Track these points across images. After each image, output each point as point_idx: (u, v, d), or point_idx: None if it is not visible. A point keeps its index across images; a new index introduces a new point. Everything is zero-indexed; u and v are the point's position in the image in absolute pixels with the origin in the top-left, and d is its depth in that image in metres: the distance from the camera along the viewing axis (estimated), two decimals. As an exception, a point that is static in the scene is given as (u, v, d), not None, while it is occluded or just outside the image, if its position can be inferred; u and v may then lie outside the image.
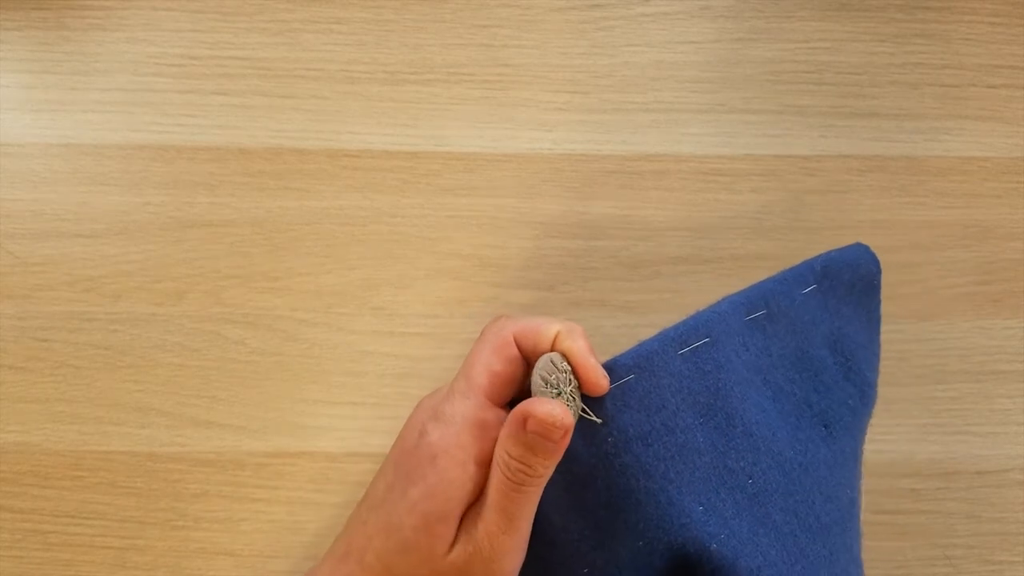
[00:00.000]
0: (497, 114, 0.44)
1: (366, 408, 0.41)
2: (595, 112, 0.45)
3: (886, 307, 0.43)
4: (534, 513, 0.26)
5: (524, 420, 0.25)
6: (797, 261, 0.43)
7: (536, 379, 0.26)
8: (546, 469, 0.25)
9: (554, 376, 0.26)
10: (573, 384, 0.26)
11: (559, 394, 0.25)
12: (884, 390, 0.42)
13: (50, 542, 0.40)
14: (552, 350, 0.26)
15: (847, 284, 0.30)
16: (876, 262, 0.32)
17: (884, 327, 0.43)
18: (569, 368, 0.26)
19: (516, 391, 0.27)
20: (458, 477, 0.25)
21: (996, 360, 0.43)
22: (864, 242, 0.44)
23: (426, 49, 0.45)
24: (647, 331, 0.42)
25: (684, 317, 0.42)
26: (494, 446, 0.26)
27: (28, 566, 0.40)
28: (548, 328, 0.26)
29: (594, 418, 0.26)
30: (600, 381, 0.25)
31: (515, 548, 0.25)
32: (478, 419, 0.26)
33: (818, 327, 0.29)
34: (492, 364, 0.26)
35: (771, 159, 0.44)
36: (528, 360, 0.27)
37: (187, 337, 0.42)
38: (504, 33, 0.45)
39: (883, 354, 0.42)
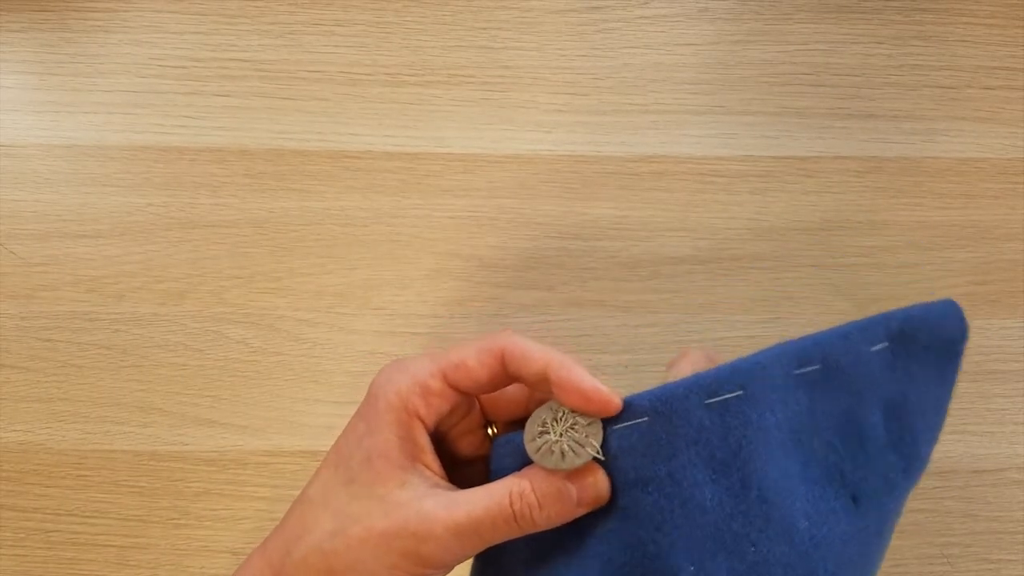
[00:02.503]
0: (497, 116, 0.45)
1: (367, 407, 0.42)
2: (594, 114, 0.45)
3: (883, 307, 0.43)
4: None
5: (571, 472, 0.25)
6: (794, 262, 0.44)
7: (530, 424, 0.25)
8: (548, 523, 0.25)
9: (549, 417, 0.25)
10: (568, 423, 0.25)
11: (546, 432, 0.25)
12: (881, 390, 0.43)
13: (53, 540, 0.40)
14: (547, 386, 0.25)
15: (923, 345, 0.27)
16: (963, 326, 0.28)
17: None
18: (566, 410, 0.25)
19: (475, 390, 0.27)
20: (389, 421, 0.26)
21: (993, 360, 0.43)
22: (861, 243, 0.44)
23: (427, 51, 0.45)
24: (646, 331, 0.43)
25: (686, 318, 0.43)
26: (426, 412, 0.26)
27: (31, 564, 0.40)
28: (538, 353, 0.25)
29: (595, 454, 0.25)
30: (604, 398, 0.24)
31: (455, 551, 0.25)
32: (426, 382, 0.26)
33: (878, 389, 0.27)
34: (468, 358, 0.26)
35: (769, 160, 0.45)
36: (513, 377, 0.27)
37: (189, 337, 0.42)
38: (504, 35, 0.46)
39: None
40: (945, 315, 0.28)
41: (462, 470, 0.28)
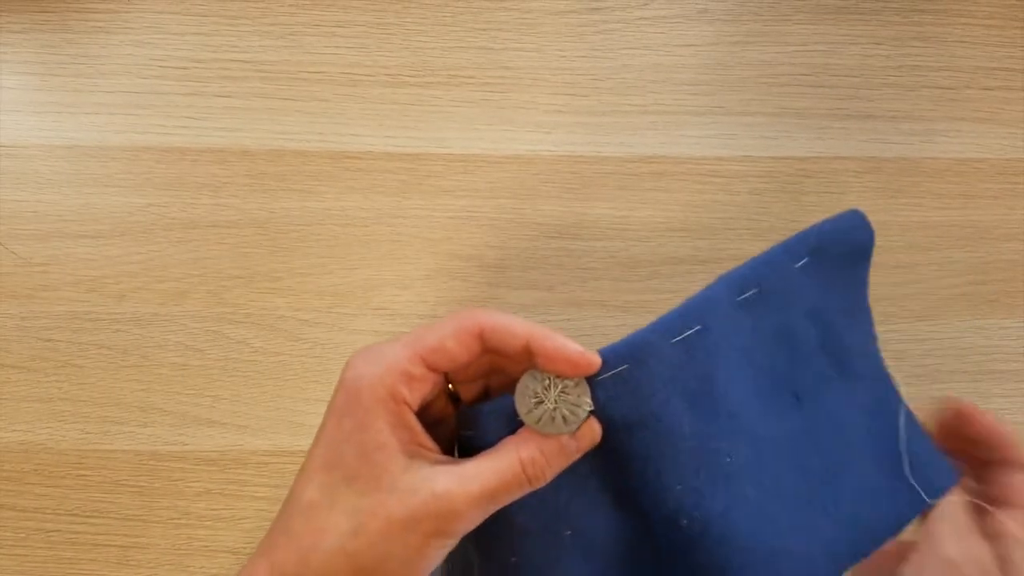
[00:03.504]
0: (497, 116, 0.45)
1: (367, 407, 0.42)
2: (594, 114, 0.45)
3: (883, 307, 0.44)
4: None
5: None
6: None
7: (520, 396, 0.26)
8: (554, 475, 0.27)
9: (539, 387, 0.26)
10: (558, 388, 0.26)
11: (541, 402, 0.26)
12: (881, 389, 0.43)
13: (53, 540, 0.40)
14: (527, 357, 0.26)
15: (840, 255, 0.31)
16: (870, 230, 0.32)
17: (881, 327, 0.43)
18: (551, 376, 0.26)
19: (453, 368, 0.28)
20: (379, 414, 0.26)
21: (992, 360, 0.43)
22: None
23: (427, 52, 0.45)
24: (646, 331, 0.43)
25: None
26: (411, 397, 0.26)
27: (31, 564, 0.40)
28: (519, 328, 0.26)
29: (590, 409, 0.27)
30: (589, 360, 0.26)
31: (476, 520, 0.26)
32: (407, 369, 0.26)
33: (805, 299, 0.30)
34: (447, 339, 0.26)
35: (768, 161, 0.45)
36: (494, 353, 0.27)
37: (190, 337, 0.42)
38: (504, 36, 0.46)
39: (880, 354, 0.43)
40: (854, 225, 0.31)
41: (430, 432, 0.29)
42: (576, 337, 0.42)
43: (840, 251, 0.31)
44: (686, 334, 0.27)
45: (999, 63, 0.46)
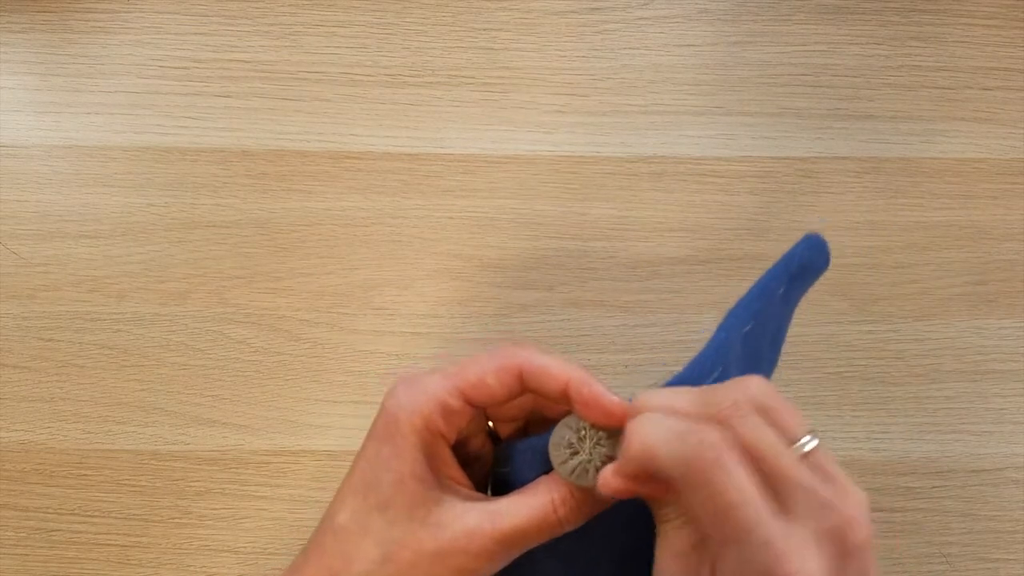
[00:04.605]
0: (497, 116, 0.45)
1: (367, 407, 0.42)
2: (594, 114, 0.45)
3: (882, 307, 0.44)
4: None
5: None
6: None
7: (555, 446, 0.26)
8: (587, 519, 0.26)
9: (574, 436, 0.26)
10: (594, 439, 0.26)
11: (576, 453, 0.26)
12: (880, 389, 0.43)
13: (54, 540, 0.40)
14: (566, 400, 0.26)
15: (807, 279, 0.32)
16: (828, 255, 0.32)
17: (880, 327, 0.43)
18: (586, 425, 0.26)
19: (491, 404, 0.28)
20: (415, 444, 0.26)
21: (991, 359, 0.43)
22: (860, 243, 0.44)
23: (427, 52, 0.45)
24: (646, 331, 0.43)
25: (686, 317, 0.43)
26: (447, 430, 0.26)
27: (32, 563, 0.40)
28: (558, 371, 0.26)
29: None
30: (626, 412, 0.25)
31: (505, 559, 0.26)
32: (445, 401, 0.26)
33: (775, 323, 0.31)
34: (487, 375, 0.26)
35: (768, 161, 0.45)
36: (530, 391, 0.27)
37: (191, 337, 0.42)
38: (504, 36, 0.46)
39: (880, 353, 0.43)
40: (820, 250, 0.31)
41: (466, 469, 0.29)
42: (576, 337, 0.43)
43: (810, 277, 0.31)
44: (713, 376, 0.27)
45: (999, 63, 0.46)
